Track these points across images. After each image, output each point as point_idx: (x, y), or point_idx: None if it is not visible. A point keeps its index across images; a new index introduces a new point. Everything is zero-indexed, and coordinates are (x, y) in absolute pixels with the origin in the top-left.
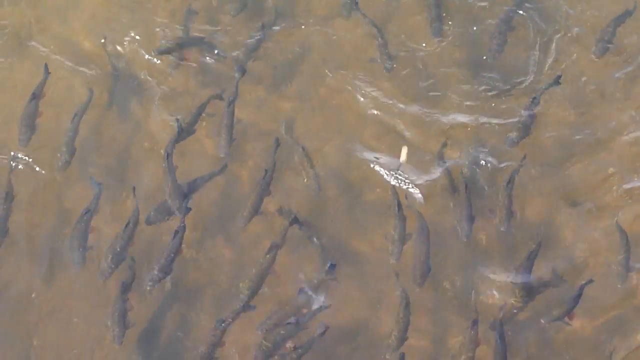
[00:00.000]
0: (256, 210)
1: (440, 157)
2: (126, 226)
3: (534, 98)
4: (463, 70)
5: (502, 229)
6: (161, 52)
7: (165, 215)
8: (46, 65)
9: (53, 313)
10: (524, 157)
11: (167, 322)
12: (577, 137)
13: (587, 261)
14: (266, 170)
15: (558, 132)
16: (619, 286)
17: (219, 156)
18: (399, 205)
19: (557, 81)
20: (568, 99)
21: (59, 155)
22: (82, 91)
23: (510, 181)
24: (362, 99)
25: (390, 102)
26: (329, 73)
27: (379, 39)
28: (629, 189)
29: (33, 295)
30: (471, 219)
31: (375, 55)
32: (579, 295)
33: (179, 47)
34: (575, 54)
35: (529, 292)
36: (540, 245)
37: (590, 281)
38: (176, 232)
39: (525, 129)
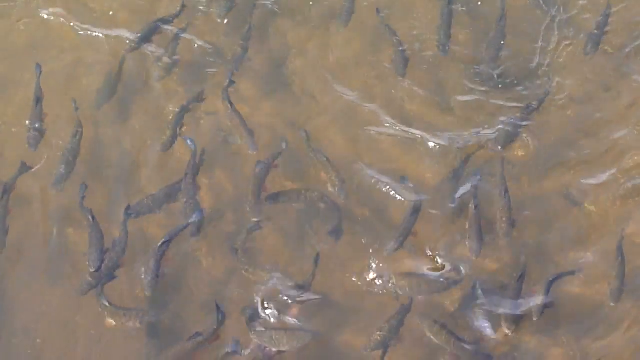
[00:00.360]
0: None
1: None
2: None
3: (531, 105)
4: (467, 69)
5: (505, 239)
6: (133, 49)
7: (148, 210)
8: (38, 65)
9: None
10: (503, 161)
11: (165, 321)
12: (578, 137)
13: (588, 269)
14: (261, 162)
15: (559, 133)
16: (612, 304)
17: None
18: (415, 210)
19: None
20: (568, 98)
21: (56, 169)
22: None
23: (505, 190)
24: (364, 104)
25: (392, 104)
26: (327, 74)
27: (396, 43)
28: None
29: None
30: (481, 238)
31: (391, 59)
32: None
33: (149, 35)
34: (573, 51)
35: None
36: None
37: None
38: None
39: (509, 136)
